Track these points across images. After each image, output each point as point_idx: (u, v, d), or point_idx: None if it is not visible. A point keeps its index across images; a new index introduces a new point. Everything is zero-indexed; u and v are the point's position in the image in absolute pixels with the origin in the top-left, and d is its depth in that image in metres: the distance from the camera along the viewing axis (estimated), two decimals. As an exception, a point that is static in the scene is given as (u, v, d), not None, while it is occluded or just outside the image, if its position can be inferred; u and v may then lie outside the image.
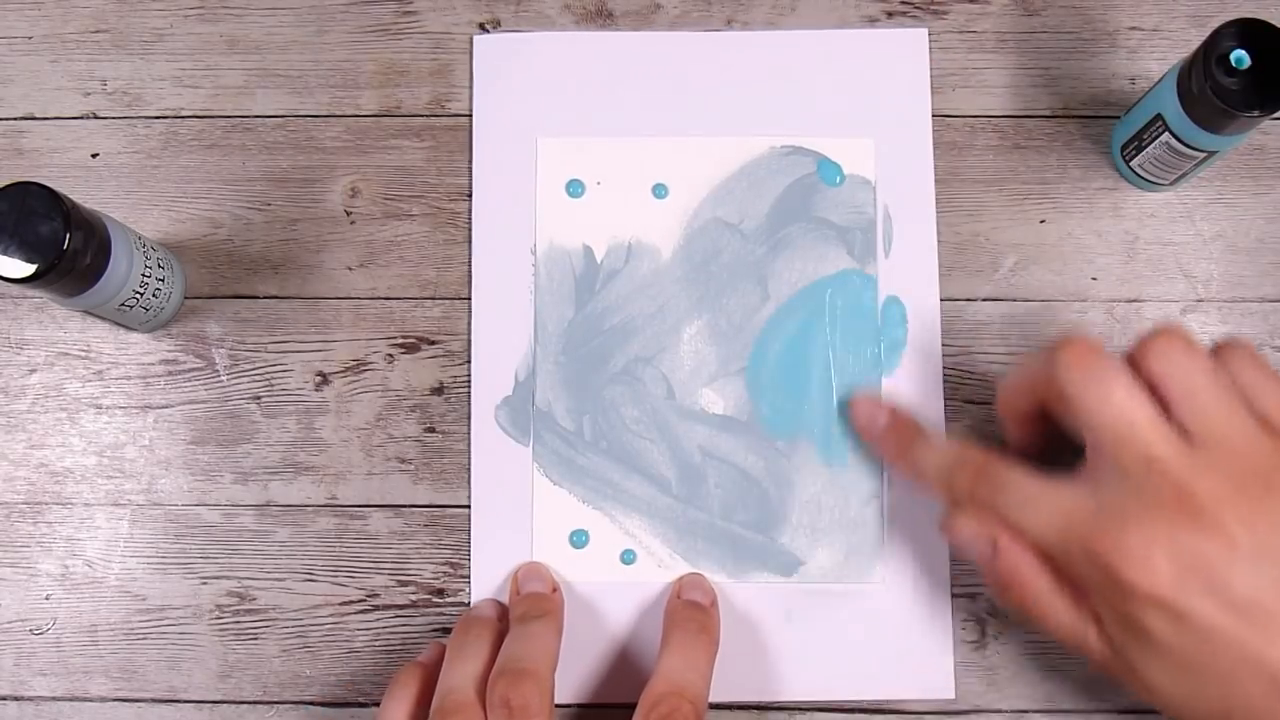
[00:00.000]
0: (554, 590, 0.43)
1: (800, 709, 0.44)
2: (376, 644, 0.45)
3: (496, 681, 0.38)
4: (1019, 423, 0.40)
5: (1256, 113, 0.39)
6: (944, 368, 0.46)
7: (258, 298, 0.47)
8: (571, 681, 0.44)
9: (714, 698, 0.43)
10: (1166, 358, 0.35)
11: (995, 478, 0.37)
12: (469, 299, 0.46)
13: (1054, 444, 0.39)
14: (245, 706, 0.44)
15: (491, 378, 0.46)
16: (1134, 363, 0.35)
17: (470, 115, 0.47)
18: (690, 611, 0.42)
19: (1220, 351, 0.36)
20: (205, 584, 0.45)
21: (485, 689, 0.38)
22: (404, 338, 0.46)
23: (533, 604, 0.42)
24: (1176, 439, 0.34)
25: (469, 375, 0.46)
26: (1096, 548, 0.34)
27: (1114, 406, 0.34)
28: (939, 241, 0.46)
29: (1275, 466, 0.33)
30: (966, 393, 0.46)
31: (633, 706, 0.39)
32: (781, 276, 0.46)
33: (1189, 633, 0.33)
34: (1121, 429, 0.34)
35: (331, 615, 0.45)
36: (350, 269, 0.47)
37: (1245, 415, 0.34)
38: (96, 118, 0.48)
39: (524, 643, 0.40)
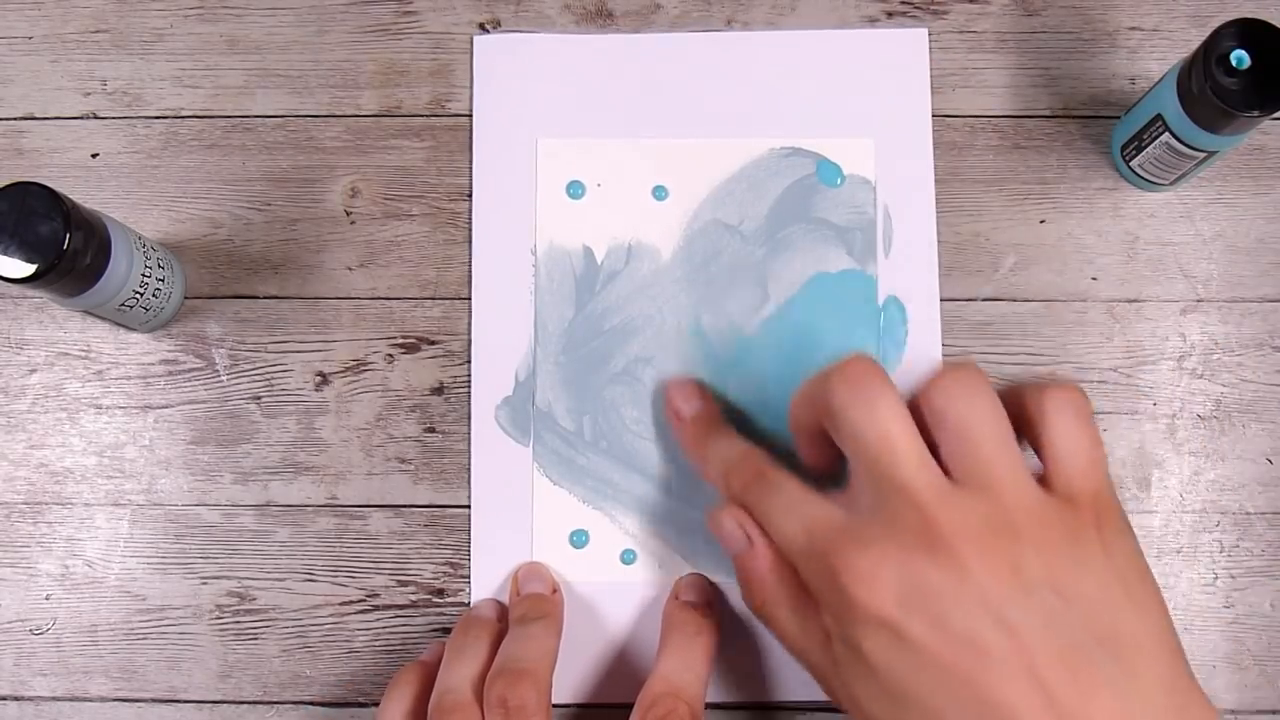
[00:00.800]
0: (554, 591, 0.43)
1: (800, 709, 0.44)
2: (376, 644, 0.45)
3: (494, 681, 0.38)
4: (805, 439, 0.39)
5: (1256, 113, 0.39)
6: (944, 368, 0.46)
7: (258, 298, 0.47)
8: (571, 681, 0.44)
9: (714, 698, 0.43)
10: (952, 394, 0.34)
11: (768, 483, 0.37)
12: (469, 299, 0.46)
13: (845, 464, 0.38)
14: (245, 706, 0.44)
15: (491, 378, 0.46)
16: (919, 396, 0.34)
17: (470, 115, 0.47)
18: (688, 613, 0.42)
19: (1045, 395, 0.34)
20: (205, 584, 0.45)
21: (483, 689, 0.38)
22: (404, 338, 0.46)
23: (532, 605, 0.42)
24: (934, 472, 0.33)
25: (469, 375, 0.46)
26: (832, 561, 0.33)
27: (877, 427, 0.34)
28: (939, 241, 0.46)
29: (1033, 520, 0.32)
30: (966, 393, 0.46)
31: (632, 707, 0.39)
32: (781, 277, 0.46)
33: (904, 657, 0.32)
34: (880, 450, 0.33)
35: (331, 615, 0.45)
36: (350, 269, 0.47)
37: (1021, 469, 0.33)
38: (96, 118, 0.48)
39: (522, 643, 0.40)
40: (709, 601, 0.43)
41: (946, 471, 0.33)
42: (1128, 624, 0.32)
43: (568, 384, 0.45)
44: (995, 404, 0.34)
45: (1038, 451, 0.34)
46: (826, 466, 0.39)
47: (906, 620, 0.32)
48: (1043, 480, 0.34)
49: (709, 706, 0.44)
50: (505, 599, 0.44)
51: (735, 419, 0.44)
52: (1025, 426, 0.34)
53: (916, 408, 0.34)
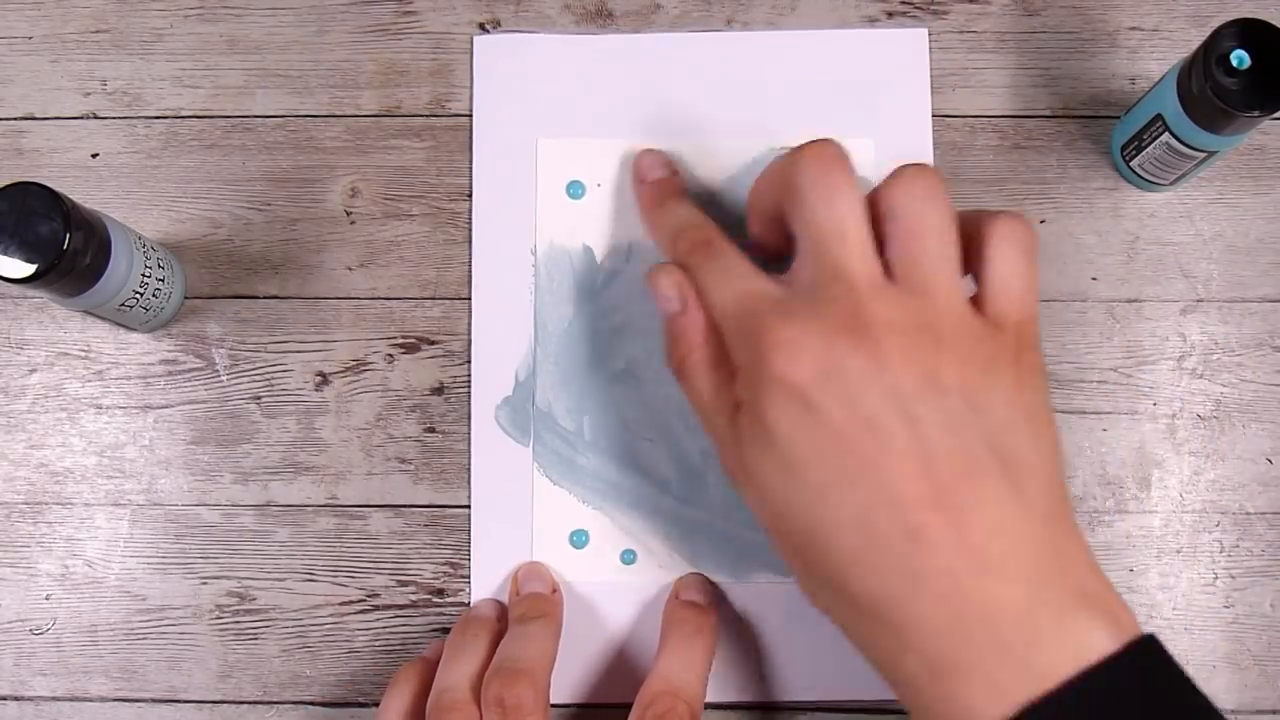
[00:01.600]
0: (553, 591, 0.43)
1: (800, 709, 0.44)
2: (376, 644, 0.45)
3: (491, 680, 0.38)
4: (760, 218, 0.39)
5: (1256, 113, 0.39)
6: (944, 368, 0.45)
7: (258, 298, 0.47)
8: (571, 681, 0.44)
9: (714, 697, 0.43)
10: (907, 194, 0.34)
11: (711, 249, 0.38)
12: (469, 299, 0.46)
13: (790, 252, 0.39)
14: (245, 706, 0.44)
15: (491, 378, 0.46)
16: (879, 189, 0.35)
17: (470, 115, 0.47)
18: (687, 612, 0.42)
19: (994, 222, 0.35)
20: (205, 584, 0.45)
21: (481, 688, 0.38)
22: (404, 338, 0.46)
23: (532, 604, 0.42)
24: (876, 266, 0.34)
25: (469, 375, 0.46)
26: (758, 328, 0.34)
27: (830, 212, 0.34)
28: (939, 241, 0.46)
29: (957, 331, 0.33)
30: (966, 393, 0.46)
31: (632, 706, 0.39)
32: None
33: (808, 429, 0.32)
34: (828, 234, 0.34)
35: (331, 615, 0.45)
36: (350, 269, 0.47)
37: (957, 279, 0.34)
38: (96, 118, 0.48)
39: (520, 643, 0.40)
40: (710, 601, 0.43)
41: (888, 269, 0.34)
42: (1024, 450, 0.32)
43: (568, 384, 0.45)
44: (948, 213, 0.34)
45: (976, 275, 0.35)
46: (775, 249, 0.39)
47: (819, 393, 0.32)
48: (975, 302, 0.34)
49: (708, 707, 0.44)
50: (505, 599, 0.44)
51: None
52: (970, 249, 0.35)
53: (875, 203, 0.35)
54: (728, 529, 0.45)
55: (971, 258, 0.35)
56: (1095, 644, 0.30)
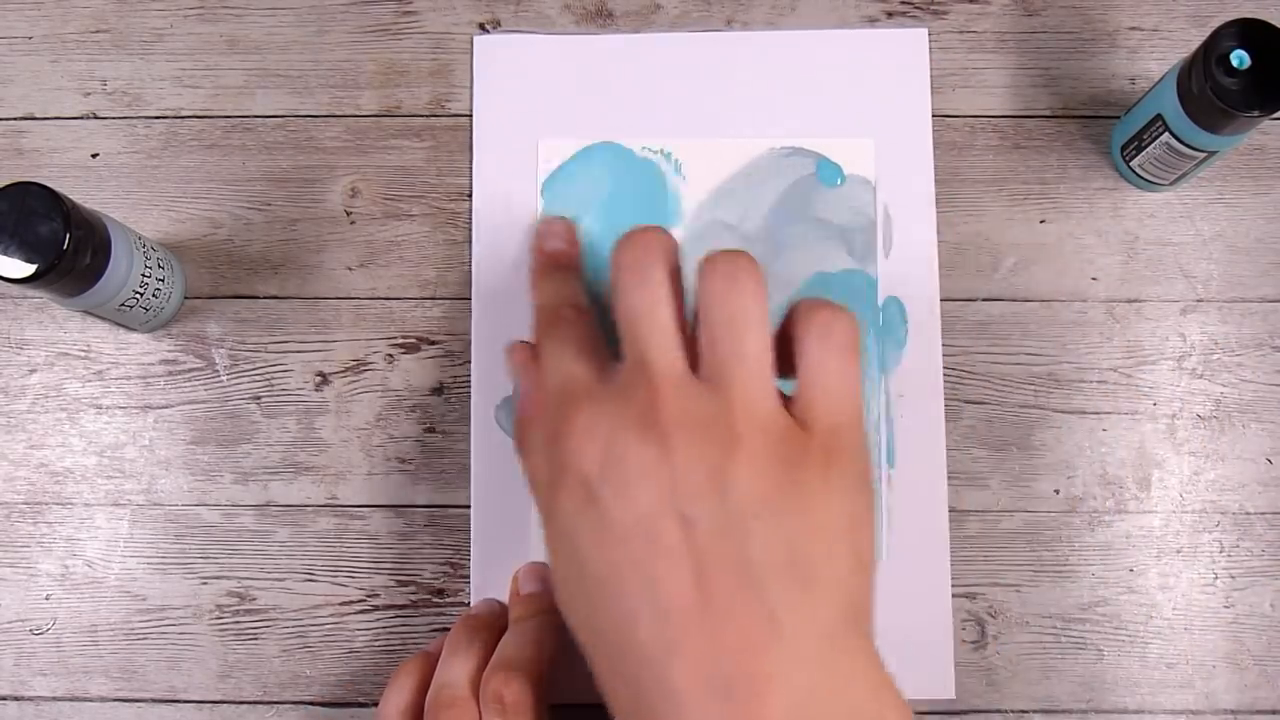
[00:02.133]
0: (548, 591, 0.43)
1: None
2: (376, 644, 0.45)
3: (490, 678, 0.38)
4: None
5: (1256, 113, 0.39)
6: (944, 368, 0.46)
7: (258, 298, 0.47)
8: (571, 681, 0.44)
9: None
10: (714, 282, 0.33)
11: (563, 326, 0.38)
12: (469, 299, 0.46)
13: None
14: (245, 706, 0.44)
15: (491, 378, 0.46)
16: (697, 273, 0.34)
17: (470, 115, 0.47)
18: (523, 606, 0.42)
19: (809, 312, 0.33)
20: (205, 584, 0.45)
21: (480, 685, 0.38)
22: (404, 338, 0.46)
23: (531, 604, 0.42)
24: (679, 359, 0.33)
25: (469, 375, 0.46)
26: (565, 412, 0.33)
27: (645, 301, 0.33)
28: (939, 241, 0.46)
29: (757, 431, 0.31)
30: (966, 393, 0.46)
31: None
32: (781, 277, 0.46)
33: (589, 523, 0.32)
34: (640, 324, 0.33)
35: (331, 615, 0.45)
36: (350, 269, 0.47)
37: (762, 377, 0.32)
38: (96, 118, 0.48)
39: (520, 641, 0.40)
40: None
41: (695, 363, 0.33)
42: (815, 561, 0.30)
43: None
44: (758, 301, 0.33)
45: (788, 372, 0.34)
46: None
47: (600, 485, 0.31)
48: (789, 402, 0.33)
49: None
50: (506, 599, 0.44)
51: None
52: (791, 346, 0.34)
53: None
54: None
55: (791, 344, 0.34)
56: None
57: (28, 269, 0.38)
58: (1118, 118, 0.47)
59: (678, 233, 0.46)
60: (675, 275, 0.34)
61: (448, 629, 0.44)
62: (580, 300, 0.40)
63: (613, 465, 0.32)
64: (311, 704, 0.44)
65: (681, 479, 0.31)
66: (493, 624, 0.42)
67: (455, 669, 0.39)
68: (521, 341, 0.40)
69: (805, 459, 0.32)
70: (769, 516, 0.31)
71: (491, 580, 0.45)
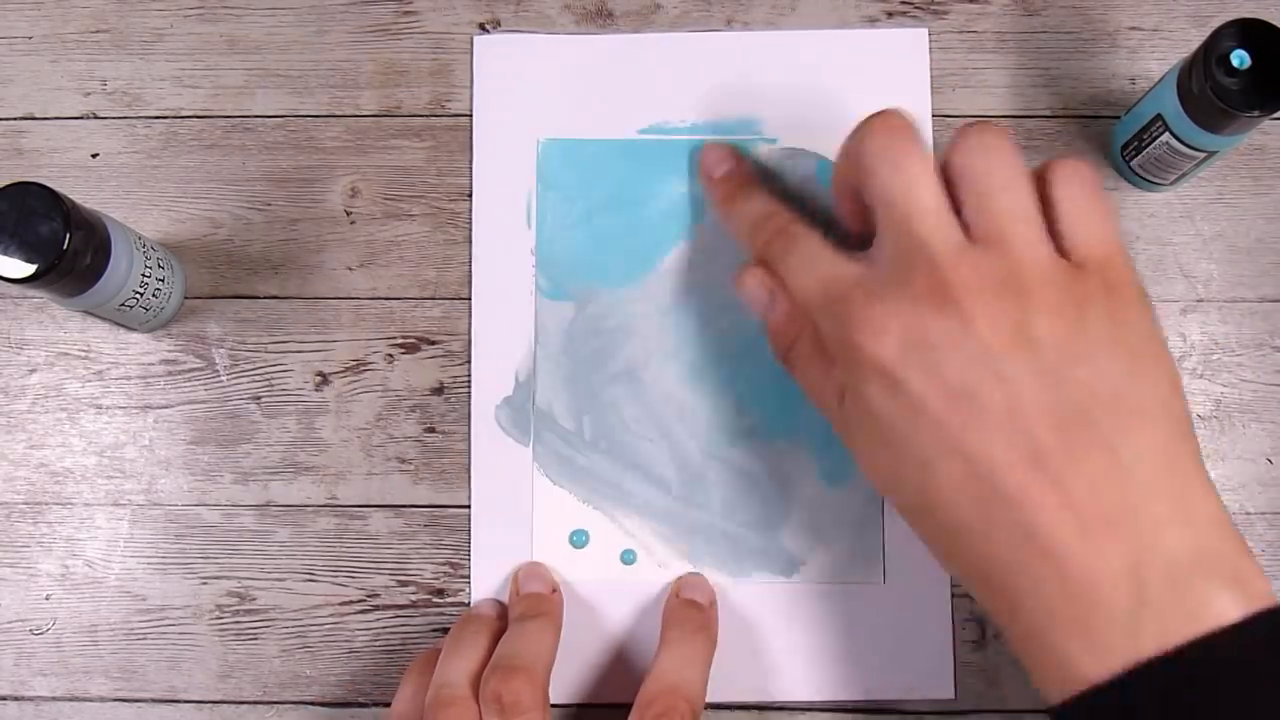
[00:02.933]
0: (553, 591, 0.43)
1: (800, 709, 0.44)
2: (376, 644, 0.45)
3: (490, 677, 0.38)
4: (845, 197, 0.38)
5: (1256, 113, 0.39)
6: (944, 368, 0.45)
7: (258, 298, 0.47)
8: (571, 681, 0.44)
9: (714, 698, 0.43)
10: (975, 151, 0.34)
11: (790, 238, 0.38)
12: (469, 299, 0.46)
13: None
14: (245, 706, 0.44)
15: (491, 378, 0.46)
16: (945, 154, 0.35)
17: (470, 115, 0.47)
18: (688, 611, 0.42)
19: (1053, 168, 0.34)
20: (205, 584, 0.45)
21: (480, 684, 0.38)
22: (404, 338, 0.46)
23: (531, 604, 0.42)
24: (955, 230, 0.33)
25: (469, 375, 0.46)
26: (842, 312, 0.34)
27: (903, 183, 0.34)
28: (939, 241, 0.46)
29: (1044, 282, 0.32)
30: (966, 393, 0.45)
31: (632, 706, 0.39)
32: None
33: (901, 406, 0.32)
34: (903, 205, 0.34)
35: (331, 615, 0.45)
36: (350, 269, 0.47)
37: (1036, 228, 0.33)
38: (96, 118, 0.48)
39: (520, 640, 0.40)
40: (710, 601, 0.43)
41: (967, 231, 0.33)
42: (1131, 394, 0.31)
43: (568, 384, 0.45)
44: (1016, 163, 0.34)
45: (1050, 224, 0.34)
46: (865, 228, 0.38)
47: (905, 369, 0.32)
48: (1058, 250, 0.34)
49: (708, 707, 0.44)
50: (505, 599, 0.44)
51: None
52: (1041, 201, 0.34)
53: (944, 167, 0.34)
54: (728, 529, 0.45)
55: (1042, 202, 0.34)
56: (1216, 609, 0.29)
57: (28, 269, 0.38)
58: (1118, 118, 0.47)
59: (698, 228, 0.46)
60: (928, 152, 0.35)
61: (448, 629, 0.44)
62: (783, 208, 0.40)
63: (914, 347, 0.32)
64: (311, 704, 0.44)
65: (987, 341, 0.32)
66: (493, 624, 0.42)
67: (455, 668, 0.39)
68: (745, 265, 0.39)
69: (1090, 295, 0.32)
70: (1079, 359, 0.31)
71: (491, 580, 0.45)
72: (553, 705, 0.42)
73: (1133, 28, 0.48)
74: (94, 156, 0.47)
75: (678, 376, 0.45)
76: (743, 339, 0.46)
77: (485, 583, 0.45)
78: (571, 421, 0.45)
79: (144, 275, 0.42)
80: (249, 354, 0.46)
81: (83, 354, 0.46)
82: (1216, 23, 0.40)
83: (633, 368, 0.46)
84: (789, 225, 0.39)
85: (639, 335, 0.46)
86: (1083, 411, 0.31)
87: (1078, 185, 0.34)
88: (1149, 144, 0.43)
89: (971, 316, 0.32)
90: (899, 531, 0.44)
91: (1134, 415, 0.31)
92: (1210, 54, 0.39)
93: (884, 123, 0.35)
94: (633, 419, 0.45)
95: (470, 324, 0.46)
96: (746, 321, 0.46)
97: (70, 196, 0.39)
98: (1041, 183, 0.34)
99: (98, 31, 0.48)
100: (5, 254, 0.38)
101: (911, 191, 0.34)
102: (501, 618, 0.43)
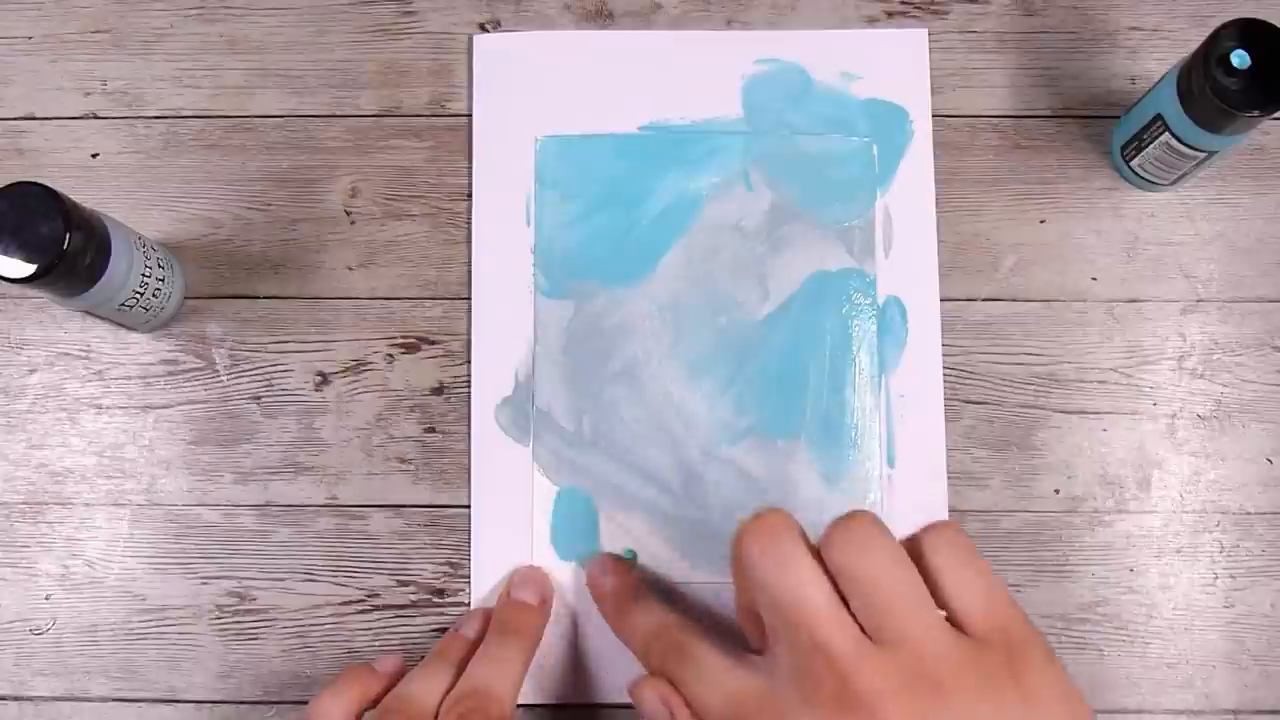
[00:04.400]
0: (541, 602, 0.43)
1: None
2: (376, 644, 0.45)
3: (458, 701, 0.38)
4: (746, 619, 0.37)
5: (1256, 113, 0.39)
6: (944, 368, 0.46)
7: (258, 298, 0.47)
8: (571, 681, 0.44)
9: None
10: (847, 548, 0.33)
11: (685, 651, 0.37)
12: (469, 299, 0.46)
13: None
14: (245, 706, 0.44)
15: (491, 378, 0.46)
16: (823, 550, 0.33)
17: (470, 115, 0.47)
18: (509, 612, 0.42)
19: (923, 539, 0.34)
20: (205, 584, 0.45)
21: (443, 705, 0.38)
22: (404, 338, 0.46)
23: (513, 615, 0.42)
24: (851, 628, 0.32)
25: (469, 375, 0.46)
26: None
27: (789, 587, 0.33)
28: (939, 241, 0.46)
29: (951, 670, 0.31)
30: (966, 393, 0.46)
31: (633, 706, 0.39)
32: (781, 275, 0.46)
33: None
34: (794, 610, 0.32)
35: (331, 615, 0.45)
36: (350, 269, 0.47)
37: (929, 614, 0.32)
38: (96, 118, 0.48)
39: (493, 666, 0.39)
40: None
41: (862, 628, 0.33)
42: None
43: (567, 383, 0.45)
44: (894, 552, 0.33)
45: (934, 594, 0.33)
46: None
47: None
48: (951, 621, 0.33)
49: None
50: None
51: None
52: (921, 572, 0.33)
53: (825, 561, 0.33)
54: (728, 528, 0.45)
55: (926, 580, 0.33)
56: None
57: (28, 269, 0.38)
58: (1118, 118, 0.47)
59: (691, 228, 0.46)
60: (811, 550, 0.34)
61: (447, 629, 0.44)
62: (675, 618, 0.39)
63: None
64: (311, 704, 0.44)
65: None
66: (474, 648, 0.41)
67: (424, 684, 0.39)
68: (642, 680, 0.37)
69: (1000, 674, 0.32)
70: None
71: (491, 580, 0.45)
72: (553, 705, 0.42)
73: (1133, 28, 0.48)
74: (94, 156, 0.47)
75: (677, 376, 0.45)
76: (741, 337, 0.46)
77: (485, 583, 0.45)
78: (571, 421, 0.45)
79: (144, 275, 0.42)
80: (249, 354, 0.46)
81: (83, 354, 0.46)
82: (1216, 23, 0.40)
83: (632, 367, 0.46)
84: (683, 638, 0.37)
85: (638, 334, 0.46)
86: None
87: (951, 551, 0.33)
88: (1149, 144, 0.43)
89: None
90: (897, 533, 0.44)
91: None
92: (1210, 54, 0.39)
93: (761, 524, 0.34)
94: (632, 418, 0.45)
95: (470, 324, 0.46)
96: (746, 321, 0.46)
97: (70, 196, 0.39)
98: (917, 554, 0.33)
99: (98, 31, 0.48)
100: (5, 254, 0.38)
101: (800, 593, 0.32)
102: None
